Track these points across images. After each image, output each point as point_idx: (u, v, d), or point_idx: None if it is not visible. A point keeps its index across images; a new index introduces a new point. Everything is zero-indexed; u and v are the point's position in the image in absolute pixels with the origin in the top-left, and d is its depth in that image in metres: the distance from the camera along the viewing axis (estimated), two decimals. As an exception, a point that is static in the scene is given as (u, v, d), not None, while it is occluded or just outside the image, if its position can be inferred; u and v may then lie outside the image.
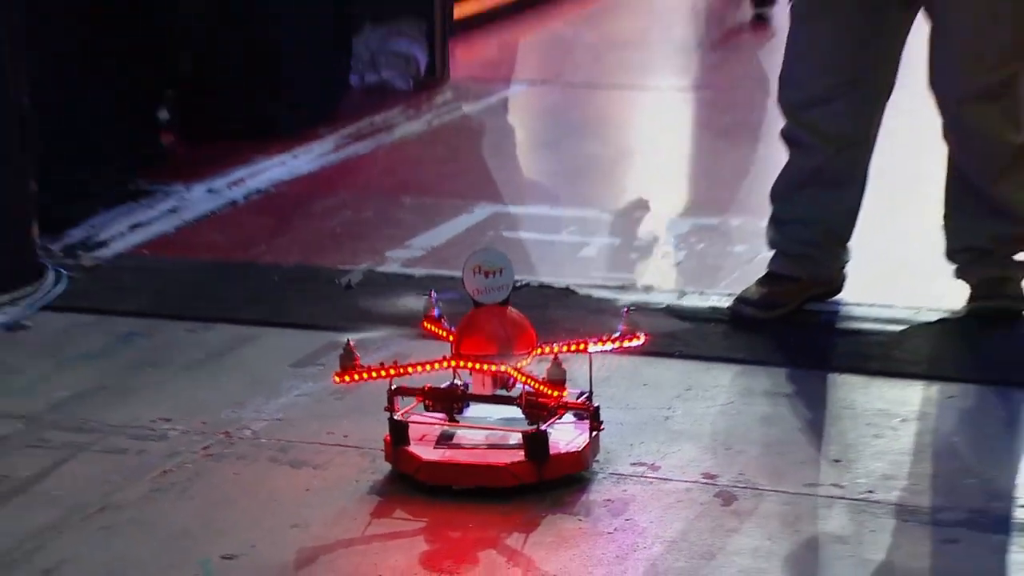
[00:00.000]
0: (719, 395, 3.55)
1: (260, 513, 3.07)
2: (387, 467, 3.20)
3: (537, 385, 3.15)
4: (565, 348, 3.28)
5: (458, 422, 3.25)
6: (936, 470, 3.21)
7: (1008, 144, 3.77)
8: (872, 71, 3.81)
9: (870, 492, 3.07)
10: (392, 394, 3.21)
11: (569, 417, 3.22)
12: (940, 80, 3.77)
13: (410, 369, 3.24)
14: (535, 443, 3.11)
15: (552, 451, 3.13)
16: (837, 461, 3.22)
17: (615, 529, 2.98)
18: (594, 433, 3.20)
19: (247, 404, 3.53)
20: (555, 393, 3.14)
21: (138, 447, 3.35)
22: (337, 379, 3.27)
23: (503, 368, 3.20)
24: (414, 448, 3.18)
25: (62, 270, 4.29)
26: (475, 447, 3.21)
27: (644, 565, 2.84)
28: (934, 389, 3.55)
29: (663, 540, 2.92)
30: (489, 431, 3.23)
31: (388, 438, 3.20)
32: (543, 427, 3.13)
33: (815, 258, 3.93)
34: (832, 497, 3.07)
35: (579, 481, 3.14)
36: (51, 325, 4.02)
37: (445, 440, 3.24)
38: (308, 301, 4.16)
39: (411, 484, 3.14)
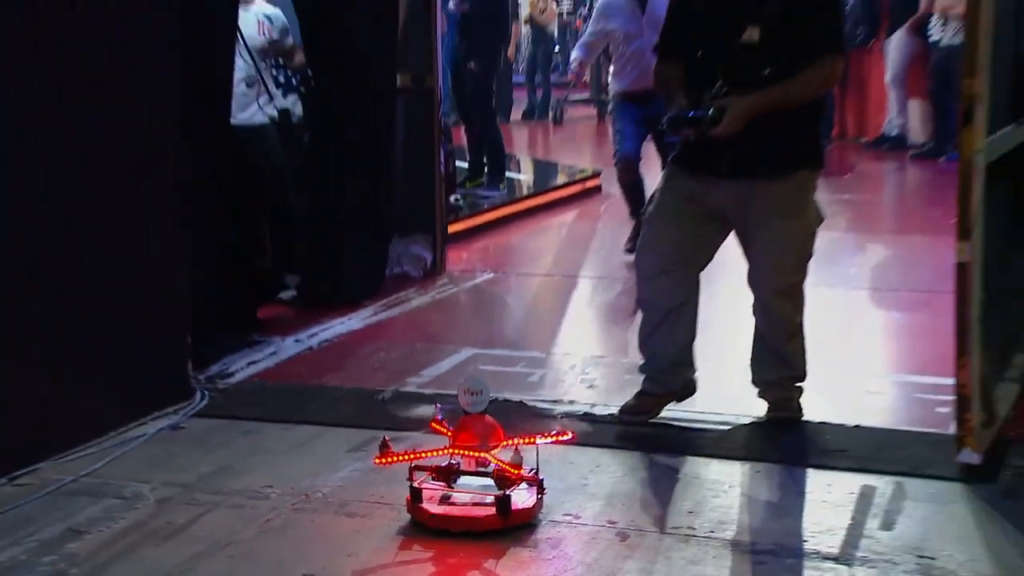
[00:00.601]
0: (617, 470, 3.53)
1: (327, 546, 3.05)
2: (408, 517, 3.16)
3: (504, 465, 3.14)
4: (521, 441, 3.25)
5: (453, 488, 3.21)
6: (751, 518, 3.21)
7: (794, 322, 3.82)
8: (695, 257, 3.84)
9: (712, 532, 3.08)
10: (411, 470, 3.18)
11: (524, 486, 3.19)
12: (753, 281, 3.81)
13: (423, 454, 3.22)
14: (502, 503, 3.09)
15: (513, 508, 3.10)
16: (691, 512, 3.21)
17: (553, 556, 2.97)
18: (540, 495, 3.18)
19: (320, 476, 3.50)
20: (515, 471, 3.13)
21: (251, 504, 3.32)
22: (376, 461, 3.26)
23: (483, 454, 3.19)
24: (425, 505, 3.16)
25: (205, 391, 4.25)
26: (464, 505, 3.18)
27: (571, 580, 2.86)
28: (748, 466, 3.53)
29: (583, 564, 2.92)
30: (473, 495, 3.19)
31: (409, 499, 3.17)
32: (507, 492, 3.10)
33: (666, 379, 3.92)
34: (688, 535, 3.06)
35: (530, 526, 3.12)
36: (199, 426, 3.98)
37: (445, 500, 3.20)
38: (358, 410, 4.11)
39: (423, 529, 3.11)
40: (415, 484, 3.17)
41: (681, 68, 3.76)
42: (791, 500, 3.33)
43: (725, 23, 3.61)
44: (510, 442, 3.23)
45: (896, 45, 9.35)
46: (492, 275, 6.45)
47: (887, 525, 3.11)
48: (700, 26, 3.71)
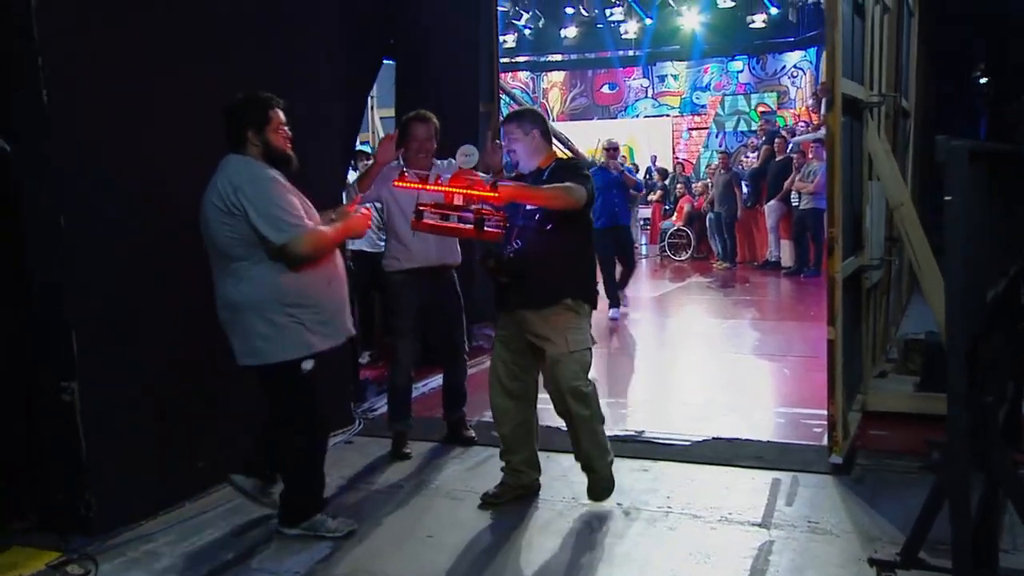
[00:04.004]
0: (622, 466, 3.20)
1: (438, 517, 2.98)
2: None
3: (482, 208, 2.79)
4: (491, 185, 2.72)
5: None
6: (707, 500, 3.11)
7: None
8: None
9: (682, 509, 2.99)
10: (417, 202, 2.91)
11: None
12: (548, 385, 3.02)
13: (429, 186, 2.93)
14: (478, 221, 2.79)
15: (485, 229, 2.80)
16: (668, 496, 3.12)
17: (585, 530, 2.87)
18: (503, 227, 2.83)
19: (431, 474, 3.47)
20: (492, 213, 2.81)
21: (390, 491, 3.30)
22: (396, 183, 2.99)
23: (470, 192, 2.77)
24: (427, 219, 2.91)
25: (360, 419, 4.20)
26: (453, 222, 2.90)
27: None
28: (703, 468, 3.43)
29: (598, 532, 2.84)
30: (459, 215, 2.84)
31: (414, 219, 2.93)
32: (483, 215, 2.79)
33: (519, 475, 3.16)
34: (667, 512, 2.99)
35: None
36: (360, 441, 3.93)
37: (443, 218, 2.91)
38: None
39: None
40: (419, 207, 2.84)
41: None
42: (731, 488, 3.23)
43: None
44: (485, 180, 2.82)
45: (772, 207, 9.85)
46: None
47: (789, 502, 3.07)
48: None
